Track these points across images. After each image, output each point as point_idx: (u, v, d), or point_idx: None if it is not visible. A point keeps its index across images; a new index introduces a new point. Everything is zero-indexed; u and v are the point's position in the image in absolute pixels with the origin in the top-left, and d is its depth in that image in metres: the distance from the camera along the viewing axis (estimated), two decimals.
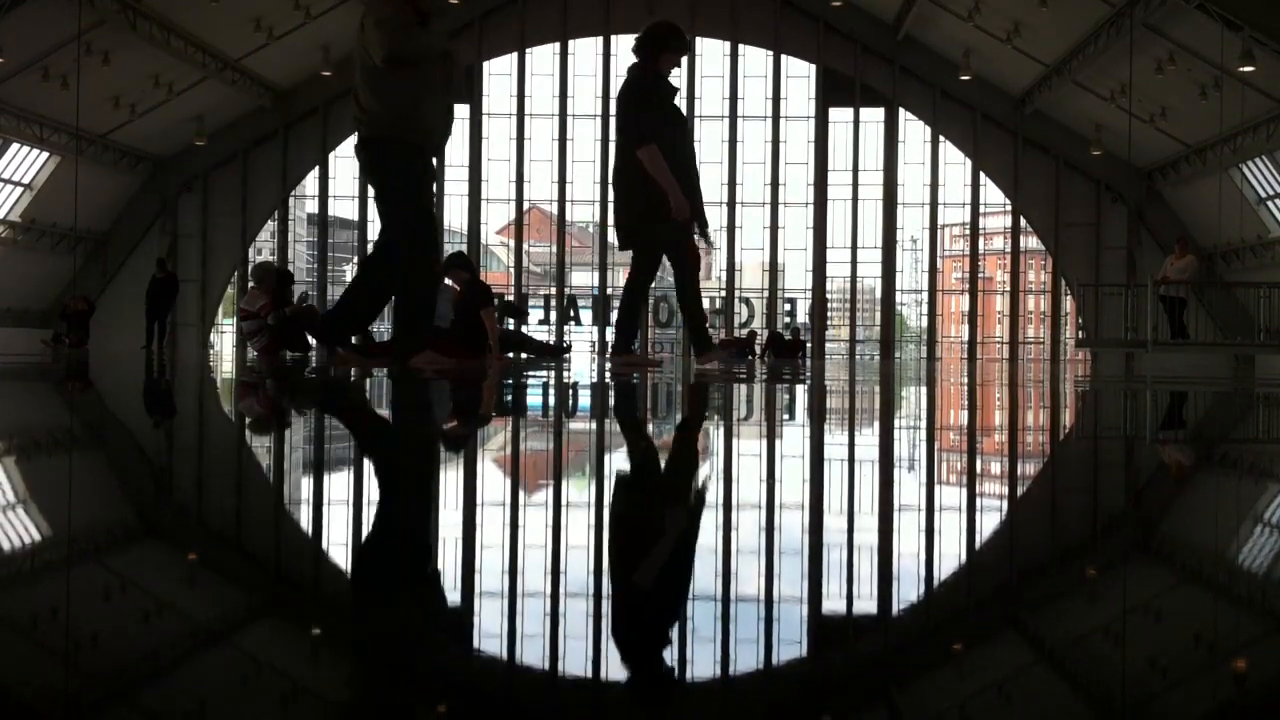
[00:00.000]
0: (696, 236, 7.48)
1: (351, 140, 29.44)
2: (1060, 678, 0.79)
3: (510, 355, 13.65)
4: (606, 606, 0.96)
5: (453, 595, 1.00)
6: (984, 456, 2.35)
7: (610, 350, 7.76)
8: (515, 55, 31.90)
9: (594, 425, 3.12)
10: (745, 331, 30.33)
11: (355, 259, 34.29)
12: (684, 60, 8.08)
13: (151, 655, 0.78)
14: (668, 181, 6.99)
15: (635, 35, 7.46)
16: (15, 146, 27.10)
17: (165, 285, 23.29)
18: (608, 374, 6.66)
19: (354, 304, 6.62)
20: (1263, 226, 26.86)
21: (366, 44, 6.26)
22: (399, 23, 6.14)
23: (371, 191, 6.77)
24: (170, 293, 23.72)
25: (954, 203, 32.50)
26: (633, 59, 7.39)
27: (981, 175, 31.72)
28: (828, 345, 32.41)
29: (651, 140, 7.01)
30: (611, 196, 7.63)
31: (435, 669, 0.78)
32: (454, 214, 32.53)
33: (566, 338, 32.32)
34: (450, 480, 1.84)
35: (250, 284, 13.44)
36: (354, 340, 7.48)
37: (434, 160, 6.67)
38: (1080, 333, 26.17)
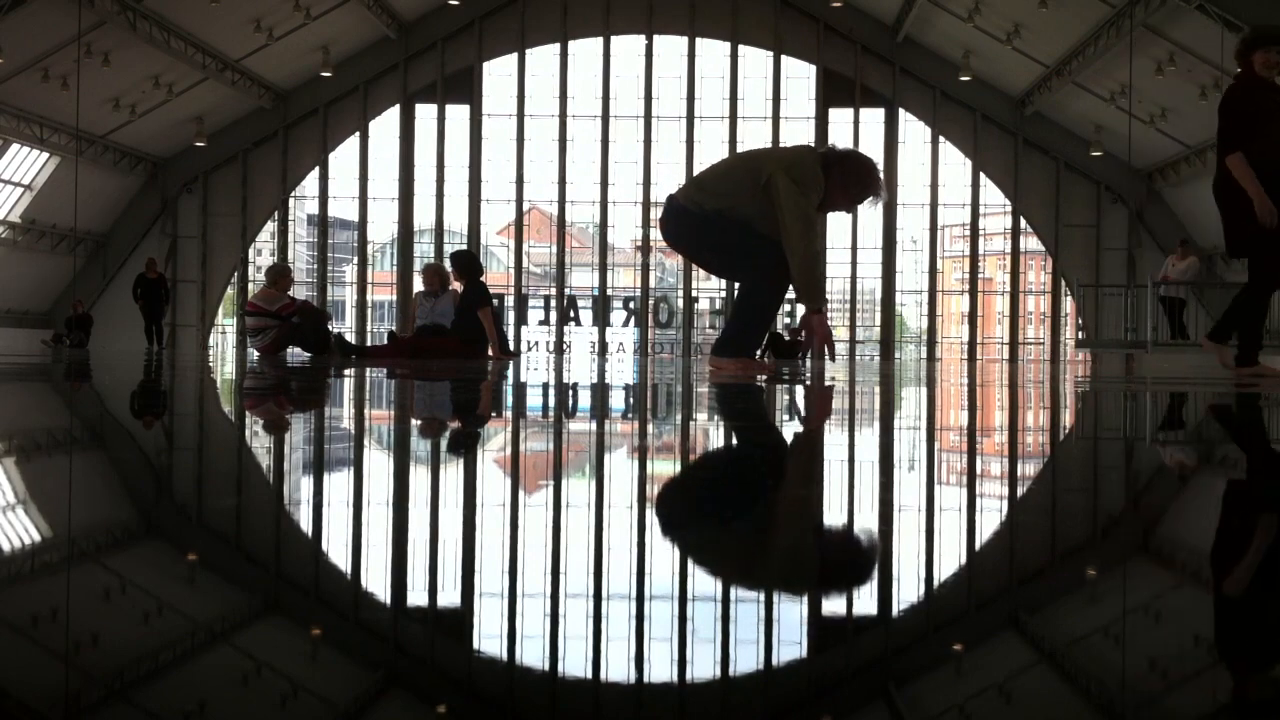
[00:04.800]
0: None
1: (351, 141, 28.77)
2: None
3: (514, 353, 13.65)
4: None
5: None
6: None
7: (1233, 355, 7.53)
8: (515, 55, 31.89)
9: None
10: None
11: (355, 259, 34.27)
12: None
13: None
14: (1253, 188, 7.02)
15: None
16: (15, 147, 27.12)
17: (156, 286, 23.15)
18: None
19: (746, 323, 6.91)
20: None
21: (784, 179, 6.37)
22: (810, 199, 6.37)
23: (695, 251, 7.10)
24: (163, 295, 23.54)
25: (954, 203, 32.51)
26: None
27: (981, 176, 31.74)
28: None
29: (1237, 148, 7.08)
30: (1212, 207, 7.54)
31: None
32: (454, 214, 32.57)
33: (567, 337, 32.38)
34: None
35: (266, 283, 13.46)
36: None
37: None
38: (1080, 333, 26.16)
